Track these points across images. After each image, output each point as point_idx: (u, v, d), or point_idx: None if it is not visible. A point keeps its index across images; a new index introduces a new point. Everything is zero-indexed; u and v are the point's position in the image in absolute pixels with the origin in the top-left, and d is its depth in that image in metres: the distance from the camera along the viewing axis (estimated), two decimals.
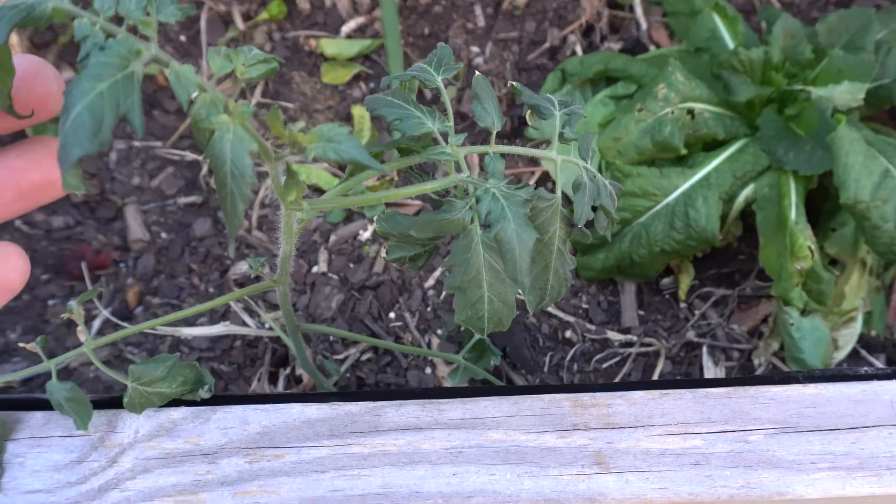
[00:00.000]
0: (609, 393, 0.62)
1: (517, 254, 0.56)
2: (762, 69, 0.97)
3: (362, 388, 0.97)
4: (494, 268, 0.63)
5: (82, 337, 0.64)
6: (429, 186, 0.57)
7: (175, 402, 0.62)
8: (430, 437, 0.60)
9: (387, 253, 0.65)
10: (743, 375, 0.90)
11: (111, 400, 0.63)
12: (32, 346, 0.61)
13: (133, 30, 0.43)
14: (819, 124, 0.91)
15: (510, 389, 0.64)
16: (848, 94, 0.92)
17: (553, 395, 0.62)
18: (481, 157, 0.63)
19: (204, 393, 0.62)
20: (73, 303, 0.63)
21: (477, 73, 0.66)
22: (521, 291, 0.64)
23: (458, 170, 0.59)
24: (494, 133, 0.65)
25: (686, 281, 1.00)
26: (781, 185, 0.92)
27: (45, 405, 0.62)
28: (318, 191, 1.12)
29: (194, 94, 0.45)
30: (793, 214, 0.88)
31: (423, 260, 0.66)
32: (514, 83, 0.68)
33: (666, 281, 1.01)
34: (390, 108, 0.59)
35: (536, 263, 0.69)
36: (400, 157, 0.64)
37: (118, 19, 0.43)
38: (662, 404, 0.62)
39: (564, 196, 0.76)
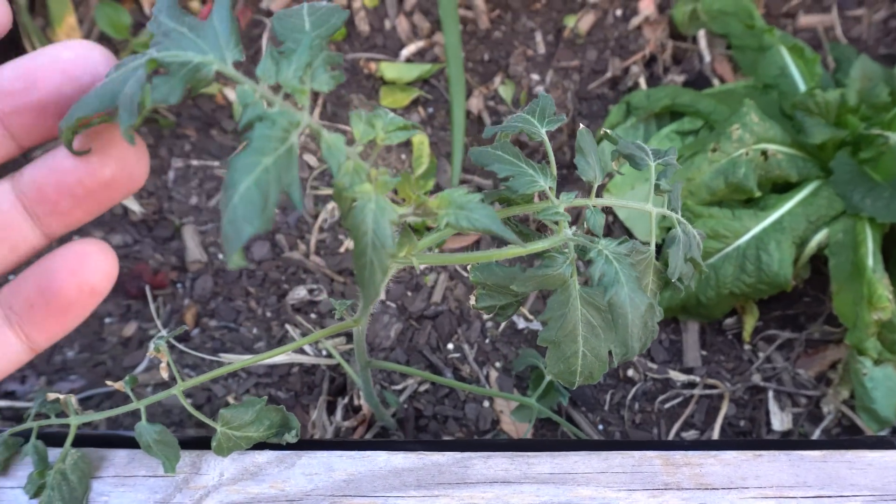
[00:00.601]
0: (701, 452, 0.61)
1: (629, 319, 0.55)
2: (837, 111, 0.96)
3: (420, 420, 0.96)
4: (591, 323, 0.62)
5: (165, 374, 0.63)
6: (540, 246, 0.56)
7: (259, 446, 0.61)
8: (519, 492, 0.59)
9: (476, 301, 0.64)
10: (839, 438, 0.88)
11: (195, 440, 0.62)
12: (121, 385, 0.61)
13: (288, 98, 0.43)
14: None
15: (600, 444, 0.63)
16: None
17: (644, 451, 0.61)
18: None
19: (291, 437, 0.61)
20: (160, 340, 0.62)
21: (581, 126, 0.65)
22: (615, 349, 0.63)
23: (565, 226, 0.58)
24: (596, 186, 0.64)
25: (751, 322, 0.98)
26: (857, 231, 0.90)
27: (128, 442, 0.61)
28: None
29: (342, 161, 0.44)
30: (870, 262, 0.87)
31: (513, 309, 0.65)
32: (608, 131, 0.67)
33: (729, 321, 1.00)
34: (502, 165, 0.58)
35: None
36: (503, 208, 0.63)
37: (275, 87, 0.43)
38: (756, 466, 0.61)
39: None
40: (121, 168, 0.41)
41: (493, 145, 0.62)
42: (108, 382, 0.63)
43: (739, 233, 0.92)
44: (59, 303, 0.41)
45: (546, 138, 0.63)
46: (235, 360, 0.95)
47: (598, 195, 0.65)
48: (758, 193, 0.93)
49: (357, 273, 0.44)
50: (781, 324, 1.00)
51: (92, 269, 0.41)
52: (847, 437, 0.90)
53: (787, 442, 0.61)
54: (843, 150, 0.96)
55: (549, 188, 0.59)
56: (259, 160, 0.38)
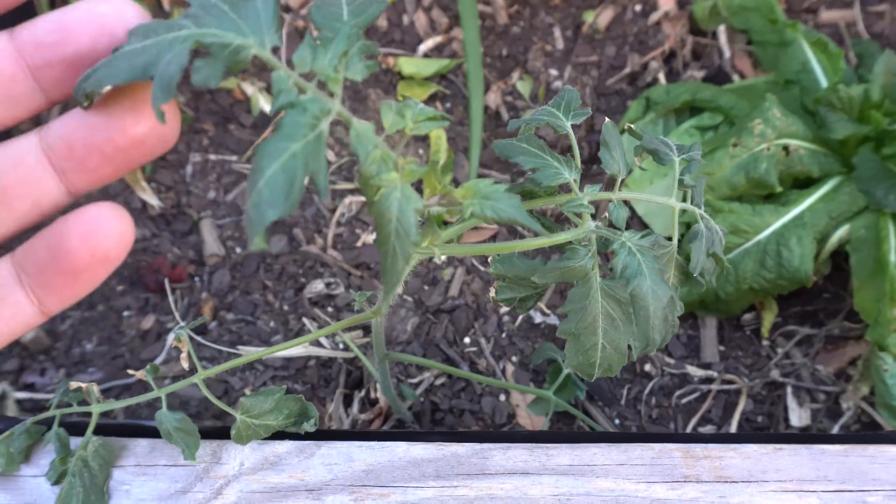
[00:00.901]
0: (722, 445, 0.61)
1: (651, 310, 0.55)
2: (860, 107, 0.95)
3: (436, 413, 0.96)
4: (611, 315, 0.62)
5: (185, 364, 0.63)
6: (563, 237, 0.56)
7: (279, 436, 0.61)
8: (538, 483, 0.59)
9: (496, 293, 0.64)
10: (860, 432, 0.87)
11: (215, 430, 0.62)
12: (143, 375, 0.61)
13: (321, 85, 0.43)
14: None
15: (619, 436, 0.62)
16: None
17: (664, 444, 0.61)
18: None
19: (309, 426, 0.61)
20: (181, 330, 0.63)
21: (607, 120, 0.65)
22: (634, 341, 0.62)
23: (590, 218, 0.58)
24: (620, 180, 0.64)
25: (769, 318, 0.97)
26: (880, 227, 0.89)
27: (148, 432, 0.62)
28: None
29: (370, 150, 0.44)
30: (893, 258, 0.86)
31: (533, 301, 0.65)
32: (631, 126, 0.67)
33: (748, 317, 0.99)
34: (527, 157, 0.58)
35: None
36: (525, 200, 0.63)
37: (307, 74, 0.43)
38: (777, 460, 0.60)
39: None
40: (153, 127, 0.40)
41: (518, 137, 0.61)
42: (130, 371, 0.63)
43: (760, 228, 0.92)
44: (71, 268, 0.40)
45: (571, 131, 0.63)
46: (253, 353, 0.95)
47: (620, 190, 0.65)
48: (779, 188, 0.92)
49: (381, 259, 0.44)
50: (800, 320, 0.99)
51: (105, 234, 0.39)
52: (868, 432, 0.89)
53: (808, 436, 0.61)
54: (866, 145, 0.96)
55: (574, 180, 0.59)
56: (288, 145, 0.38)
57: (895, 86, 0.96)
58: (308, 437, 0.62)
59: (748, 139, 0.93)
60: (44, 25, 0.40)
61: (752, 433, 0.86)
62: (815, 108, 0.97)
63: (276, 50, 0.40)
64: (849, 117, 0.95)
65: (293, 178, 0.38)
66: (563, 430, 0.84)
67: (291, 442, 0.63)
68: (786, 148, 0.94)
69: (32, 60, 0.40)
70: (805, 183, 0.97)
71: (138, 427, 0.64)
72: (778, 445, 0.61)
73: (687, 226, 0.96)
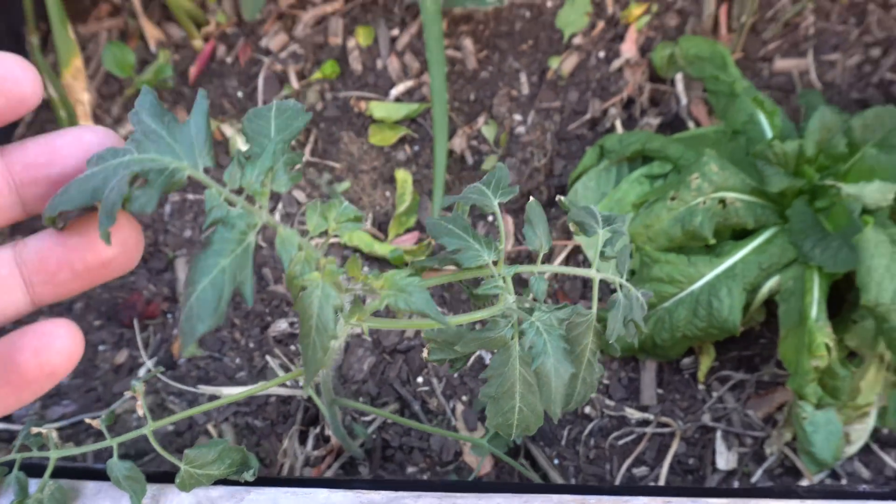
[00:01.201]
0: (615, 497, 0.65)
1: (553, 386, 0.60)
2: (796, 161, 0.99)
3: (387, 450, 1.01)
4: (528, 381, 0.67)
5: (140, 412, 0.69)
6: (478, 315, 0.62)
7: (219, 480, 0.67)
8: None
9: (428, 354, 0.70)
10: (745, 486, 0.92)
11: (160, 474, 0.68)
12: (97, 423, 0.67)
13: (250, 198, 0.48)
14: (847, 223, 0.93)
15: (521, 487, 0.67)
16: (878, 193, 0.93)
17: (562, 495, 0.66)
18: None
19: (249, 476, 0.67)
20: (136, 382, 0.68)
21: (532, 198, 0.70)
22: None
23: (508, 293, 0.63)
24: (541, 255, 0.69)
25: (706, 362, 1.02)
26: (806, 279, 0.93)
27: (102, 475, 0.68)
28: (357, 251, 1.17)
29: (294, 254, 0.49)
30: (814, 312, 0.90)
31: (462, 363, 0.70)
32: (561, 198, 0.72)
33: (687, 361, 1.04)
34: (450, 238, 0.63)
35: None
36: (455, 272, 0.68)
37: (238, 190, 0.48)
38: None
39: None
40: (122, 250, 0.43)
41: (446, 217, 0.67)
42: (87, 420, 0.69)
43: (694, 278, 0.96)
44: (18, 380, 0.42)
45: (498, 210, 0.68)
46: (210, 391, 1.01)
47: (548, 261, 0.69)
48: (712, 241, 0.97)
49: (302, 350, 0.50)
50: (736, 364, 1.03)
51: (56, 351, 0.42)
52: (789, 478, 0.93)
53: (693, 489, 0.65)
54: (801, 198, 1.00)
55: (493, 262, 0.64)
56: (217, 261, 0.43)
57: (829, 141, 1.00)
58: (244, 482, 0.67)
59: (685, 193, 0.97)
60: (34, 147, 0.44)
61: (645, 486, 0.91)
62: (753, 161, 1.01)
63: (208, 170, 0.46)
64: (785, 171, 1.00)
65: (221, 292, 0.43)
66: (479, 481, 0.89)
67: (224, 487, 0.68)
68: (722, 201, 0.99)
69: (19, 177, 0.44)
70: (744, 233, 1.01)
71: (93, 470, 0.70)
72: (667, 498, 0.66)
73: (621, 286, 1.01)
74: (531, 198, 0.70)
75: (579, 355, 0.70)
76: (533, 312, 0.66)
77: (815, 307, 0.91)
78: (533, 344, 0.62)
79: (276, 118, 0.54)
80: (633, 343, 0.92)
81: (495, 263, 0.65)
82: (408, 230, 1.20)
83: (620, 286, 0.72)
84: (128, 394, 0.70)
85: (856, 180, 0.96)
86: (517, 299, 0.67)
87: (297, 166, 0.51)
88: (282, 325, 1.09)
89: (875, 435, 0.95)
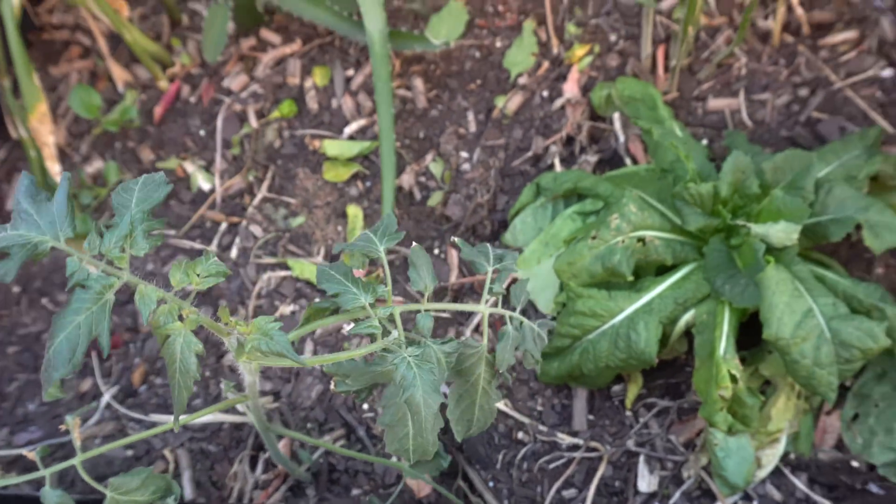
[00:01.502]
0: None
1: (423, 416, 0.67)
2: (712, 201, 1.06)
3: (333, 473, 1.07)
4: None
5: (78, 444, 0.75)
6: (356, 353, 0.69)
7: None
8: None
9: (335, 386, 0.76)
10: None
11: (89, 501, 0.75)
12: (33, 455, 0.73)
13: (109, 262, 0.56)
14: (753, 261, 0.99)
15: None
16: (783, 233, 1.00)
17: None
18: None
19: (171, 502, 0.73)
20: (69, 417, 0.75)
21: (414, 243, 0.78)
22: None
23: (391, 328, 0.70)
24: (427, 295, 0.77)
25: (634, 390, 1.08)
26: (717, 314, 1.00)
27: (34, 501, 0.74)
28: (310, 284, 1.23)
29: (154, 308, 0.57)
30: (722, 345, 0.97)
31: (366, 393, 0.77)
32: (455, 239, 0.80)
33: (616, 388, 1.10)
34: (331, 284, 0.71)
35: (463, 400, 0.80)
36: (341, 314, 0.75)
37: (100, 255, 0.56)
38: None
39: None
40: None
41: (330, 265, 0.74)
42: (24, 452, 0.75)
43: (615, 312, 1.03)
44: None
45: (384, 256, 0.76)
46: (161, 420, 1.08)
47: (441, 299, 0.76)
48: (630, 278, 1.03)
49: (171, 390, 0.57)
50: (662, 392, 1.10)
51: None
52: (706, 500, 1.00)
53: None
54: (718, 236, 1.07)
55: (369, 304, 0.71)
56: (73, 319, 0.51)
57: (743, 182, 1.07)
58: None
59: (605, 232, 1.04)
60: None
61: None
62: (673, 201, 1.08)
63: (69, 241, 0.53)
64: (702, 210, 1.06)
65: (76, 345, 0.51)
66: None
67: None
68: (642, 239, 1.06)
69: None
70: (665, 269, 1.08)
71: (33, 498, 0.76)
72: None
73: (562, 305, 1.08)
74: (414, 243, 0.77)
75: (474, 383, 0.77)
76: (418, 346, 0.73)
77: (724, 341, 0.98)
78: (404, 377, 0.69)
79: (139, 191, 0.62)
80: (567, 365, 0.99)
81: (372, 305, 0.72)
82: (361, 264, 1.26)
83: (511, 318, 0.79)
84: (62, 427, 0.77)
85: (766, 220, 1.03)
86: (408, 335, 0.74)
87: (156, 231, 0.59)
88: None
89: (785, 458, 1.02)
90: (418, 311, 0.75)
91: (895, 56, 1.28)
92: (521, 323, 0.80)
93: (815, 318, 0.95)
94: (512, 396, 1.11)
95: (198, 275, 0.60)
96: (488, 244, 0.82)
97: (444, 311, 1.19)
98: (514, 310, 0.81)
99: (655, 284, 1.04)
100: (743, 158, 1.08)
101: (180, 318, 0.61)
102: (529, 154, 1.33)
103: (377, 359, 0.72)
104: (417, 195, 1.32)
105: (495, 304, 0.79)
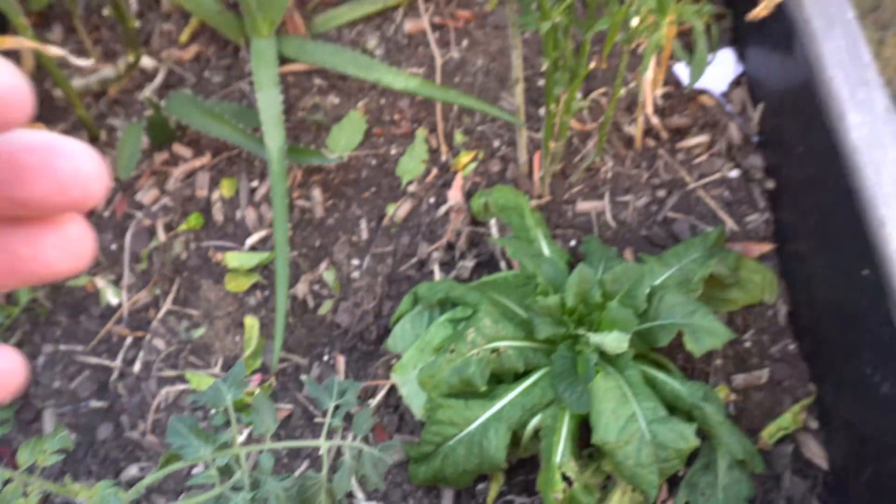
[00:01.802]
0: None
1: None
2: (560, 311, 1.17)
3: None
4: None
5: None
6: (194, 501, 0.78)
7: None
8: None
9: None
10: None
11: None
12: None
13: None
14: (588, 369, 1.09)
15: None
16: (615, 341, 1.10)
17: None
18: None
19: None
20: None
21: (257, 390, 0.88)
22: None
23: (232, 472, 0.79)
24: (269, 436, 0.86)
25: (495, 488, 1.18)
26: (558, 419, 1.10)
27: None
28: None
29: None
30: (559, 450, 1.07)
31: None
32: (304, 377, 0.89)
33: (481, 487, 1.20)
34: (175, 437, 0.81)
35: None
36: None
37: None
38: None
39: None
40: (75, 265, 0.37)
41: (179, 419, 0.84)
42: None
43: (470, 420, 1.13)
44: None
45: (230, 405, 0.85)
46: None
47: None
48: (483, 388, 1.13)
49: None
50: (521, 488, 1.19)
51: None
52: None
53: None
54: (565, 343, 1.17)
55: (211, 455, 0.81)
56: None
57: (588, 293, 1.17)
58: None
59: (462, 346, 1.14)
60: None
61: None
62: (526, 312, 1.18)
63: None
64: (552, 320, 1.17)
65: None
66: None
67: None
68: (496, 350, 1.16)
69: None
70: (519, 376, 1.18)
71: None
72: None
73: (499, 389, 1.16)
74: (258, 390, 0.87)
75: None
76: (265, 483, 0.82)
77: (562, 445, 1.07)
78: None
79: None
80: (416, 473, 1.08)
81: (218, 449, 0.82)
82: (254, 372, 1.36)
83: (349, 448, 0.89)
84: None
85: (604, 329, 1.13)
86: (252, 473, 0.84)
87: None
88: (132, 471, 1.24)
89: None
90: (261, 452, 0.84)
91: (740, 158, 1.40)
92: (361, 451, 0.90)
93: (637, 422, 1.05)
94: (387, 499, 1.20)
95: (44, 451, 0.70)
96: (335, 378, 0.92)
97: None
98: (355, 438, 0.90)
99: (507, 392, 1.14)
100: (586, 271, 1.18)
101: (25, 494, 0.71)
102: (415, 260, 1.43)
103: (221, 500, 0.81)
104: (311, 303, 1.42)
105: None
